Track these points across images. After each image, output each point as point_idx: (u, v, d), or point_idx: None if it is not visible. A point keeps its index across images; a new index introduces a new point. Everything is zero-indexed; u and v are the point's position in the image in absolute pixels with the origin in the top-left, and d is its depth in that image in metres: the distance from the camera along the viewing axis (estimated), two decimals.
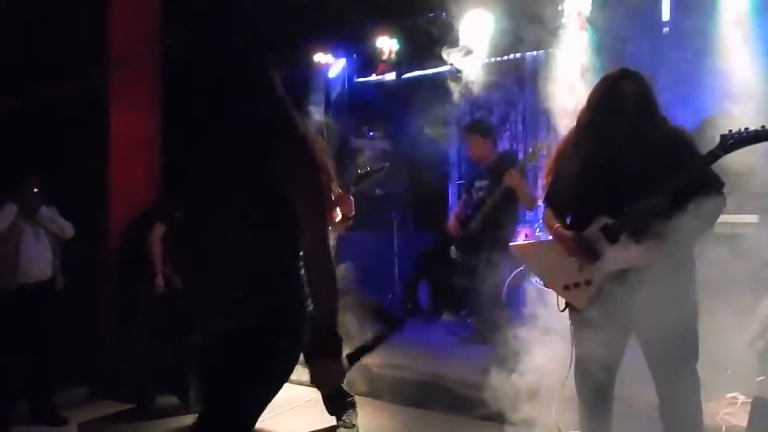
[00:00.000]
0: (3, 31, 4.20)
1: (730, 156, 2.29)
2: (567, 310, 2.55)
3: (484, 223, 4.31)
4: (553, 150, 2.66)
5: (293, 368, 1.94)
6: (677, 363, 2.37)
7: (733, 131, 2.26)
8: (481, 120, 5.19)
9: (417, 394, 3.95)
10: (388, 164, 3.22)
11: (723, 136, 2.27)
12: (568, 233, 2.47)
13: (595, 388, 2.50)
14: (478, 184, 4.47)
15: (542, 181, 2.71)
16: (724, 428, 3.00)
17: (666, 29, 5.03)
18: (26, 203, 3.99)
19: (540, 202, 2.72)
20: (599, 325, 2.38)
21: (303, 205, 1.83)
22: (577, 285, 2.44)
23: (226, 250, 1.90)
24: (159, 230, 4.40)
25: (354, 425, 3.49)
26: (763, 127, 2.24)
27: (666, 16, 4.98)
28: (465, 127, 4.74)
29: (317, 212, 1.86)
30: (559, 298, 2.57)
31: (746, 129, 2.25)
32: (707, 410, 3.08)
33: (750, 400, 2.85)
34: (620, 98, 2.39)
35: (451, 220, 4.64)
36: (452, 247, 4.55)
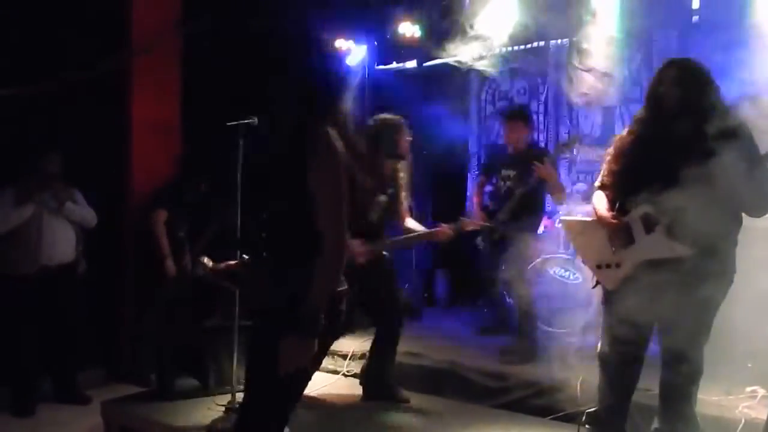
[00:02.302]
0: (25, 17, 4.24)
1: None
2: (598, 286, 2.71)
3: (512, 214, 4.25)
4: (618, 139, 2.75)
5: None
6: (683, 349, 2.48)
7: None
8: (523, 107, 5.07)
9: (434, 382, 3.95)
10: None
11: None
12: (609, 215, 2.61)
13: (618, 366, 2.64)
14: (505, 173, 4.37)
15: (603, 166, 2.80)
16: (743, 421, 2.99)
17: (695, 18, 4.93)
18: (48, 190, 4.03)
19: (596, 185, 2.81)
20: (625, 307, 2.51)
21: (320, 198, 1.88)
22: (608, 266, 2.60)
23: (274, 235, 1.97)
24: (161, 216, 4.43)
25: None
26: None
27: (696, 4, 4.88)
28: (507, 112, 4.62)
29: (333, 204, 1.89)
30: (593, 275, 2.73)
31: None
32: (727, 403, 3.08)
33: None
34: (662, 93, 2.50)
35: (475, 210, 4.55)
36: (478, 238, 4.50)
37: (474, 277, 4.93)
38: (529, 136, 4.45)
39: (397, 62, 5.79)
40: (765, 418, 2.76)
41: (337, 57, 2.12)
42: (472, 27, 4.76)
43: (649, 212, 2.48)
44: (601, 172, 2.78)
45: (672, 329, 2.50)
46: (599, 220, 2.65)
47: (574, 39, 4.94)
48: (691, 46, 4.91)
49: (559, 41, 5.43)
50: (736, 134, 2.37)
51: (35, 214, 4.01)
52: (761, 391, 3.19)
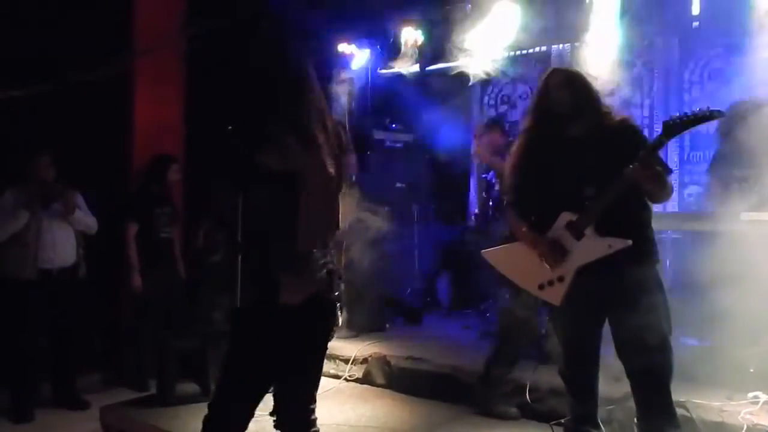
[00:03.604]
0: (30, 18, 4.24)
1: None
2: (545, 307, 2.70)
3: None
4: (512, 154, 2.74)
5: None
6: (644, 348, 2.45)
7: (675, 116, 2.38)
8: (500, 117, 5.21)
9: (436, 387, 3.94)
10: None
11: (665, 122, 2.40)
12: (535, 235, 2.58)
13: (579, 373, 2.66)
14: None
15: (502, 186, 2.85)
16: (745, 427, 2.97)
17: (696, 23, 4.94)
18: (56, 199, 4.03)
19: (505, 203, 2.79)
20: (576, 314, 2.55)
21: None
22: (551, 283, 2.56)
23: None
24: (131, 230, 4.44)
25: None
26: (702, 109, 2.35)
27: (696, 10, 4.88)
28: (486, 122, 4.74)
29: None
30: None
31: (686, 113, 2.37)
32: (729, 409, 3.08)
33: None
34: (552, 98, 2.55)
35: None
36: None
37: (476, 281, 4.92)
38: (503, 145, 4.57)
39: (400, 67, 5.80)
40: (767, 423, 2.76)
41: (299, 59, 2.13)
42: (474, 32, 4.77)
43: (571, 219, 2.48)
44: (504, 188, 2.75)
45: (624, 321, 2.50)
46: (526, 241, 2.60)
47: (576, 44, 4.95)
48: (691, 51, 4.93)
49: (561, 46, 5.44)
50: (626, 126, 2.52)
51: (36, 218, 4.00)
52: (763, 397, 3.17)
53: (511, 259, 2.72)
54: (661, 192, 2.47)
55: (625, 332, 2.50)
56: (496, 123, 4.71)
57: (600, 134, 2.50)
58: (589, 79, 2.61)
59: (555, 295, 2.54)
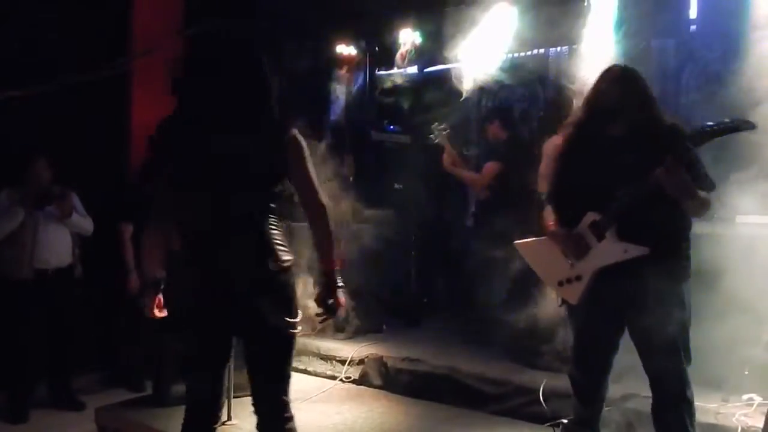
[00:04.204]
0: (27, 19, 4.24)
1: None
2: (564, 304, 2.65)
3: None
4: (549, 147, 2.70)
5: None
6: (665, 356, 2.41)
7: (704, 125, 2.30)
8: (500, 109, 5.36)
9: (432, 389, 3.94)
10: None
11: (692, 130, 2.32)
12: (559, 230, 2.56)
13: (587, 376, 2.62)
14: None
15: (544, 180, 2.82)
16: (740, 429, 2.99)
17: (693, 27, 4.95)
18: (51, 201, 4.02)
19: (543, 198, 2.76)
20: (592, 317, 2.52)
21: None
22: (569, 281, 2.55)
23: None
24: (126, 231, 4.41)
25: None
26: (732, 119, 2.28)
27: (694, 13, 4.89)
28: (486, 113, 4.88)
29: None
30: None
31: (715, 123, 2.29)
32: (724, 411, 3.09)
33: (767, 401, 2.83)
34: (601, 91, 2.50)
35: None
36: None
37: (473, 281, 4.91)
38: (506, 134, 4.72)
39: (398, 68, 5.81)
40: (761, 426, 2.77)
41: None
42: (472, 34, 4.77)
43: (595, 219, 2.45)
44: (549, 183, 2.72)
45: (642, 331, 2.45)
46: (551, 235, 2.60)
47: (574, 47, 4.96)
48: (689, 54, 4.93)
49: (559, 48, 5.46)
50: (673, 131, 2.42)
51: (32, 218, 3.99)
52: (757, 399, 3.19)
53: (538, 252, 2.72)
54: (690, 202, 2.35)
55: (642, 345, 2.48)
56: (497, 115, 4.78)
57: (643, 136, 2.41)
58: (644, 80, 2.53)
59: (572, 294, 2.54)
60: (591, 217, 2.46)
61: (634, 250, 2.37)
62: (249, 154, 2.11)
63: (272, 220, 2.19)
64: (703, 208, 2.40)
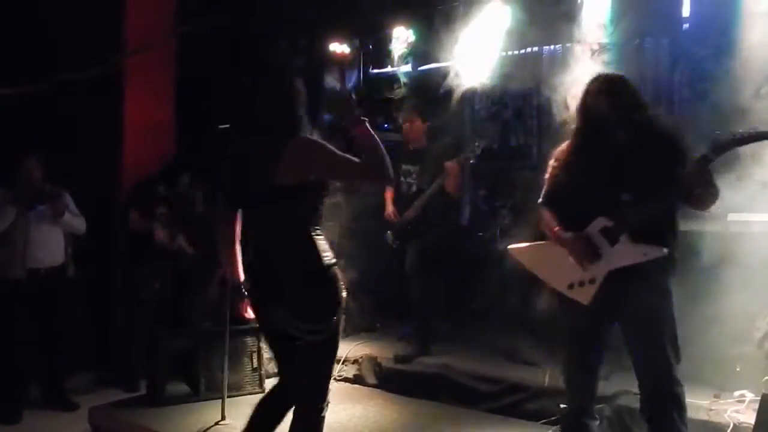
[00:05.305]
0: (20, 17, 4.22)
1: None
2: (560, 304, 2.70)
3: (423, 212, 4.32)
4: (556, 152, 2.76)
5: None
6: (652, 351, 2.48)
7: (725, 134, 2.34)
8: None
9: (426, 387, 3.95)
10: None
11: (713, 139, 2.35)
12: (569, 234, 2.58)
13: (580, 368, 2.67)
14: (405, 168, 4.46)
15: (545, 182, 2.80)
16: (731, 425, 3.01)
17: (686, 25, 4.96)
18: (44, 201, 4.01)
19: (539, 201, 2.77)
20: (591, 316, 2.56)
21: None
22: (581, 284, 2.58)
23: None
24: (134, 216, 4.48)
25: None
26: (754, 129, 2.33)
27: (686, 12, 4.90)
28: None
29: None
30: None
31: (737, 132, 2.33)
32: (716, 407, 3.11)
33: (758, 398, 2.86)
34: (588, 105, 2.56)
35: (389, 207, 4.55)
36: (388, 232, 4.50)
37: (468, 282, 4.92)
38: (425, 131, 4.54)
39: (392, 67, 5.81)
40: (753, 422, 2.79)
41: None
42: (466, 32, 4.78)
43: (607, 225, 2.49)
44: (545, 186, 2.75)
45: (632, 327, 2.53)
46: (558, 240, 2.61)
47: (568, 45, 4.96)
48: (681, 53, 4.94)
49: (552, 47, 5.45)
50: (672, 135, 2.50)
51: (23, 217, 3.98)
52: (749, 395, 3.21)
53: (539, 257, 2.74)
54: (711, 196, 2.44)
55: (631, 341, 2.55)
56: (413, 111, 4.57)
57: (642, 141, 2.47)
58: (631, 84, 2.58)
59: (585, 296, 2.56)
60: (602, 222, 2.50)
61: (654, 252, 2.43)
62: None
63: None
64: (715, 198, 2.47)
